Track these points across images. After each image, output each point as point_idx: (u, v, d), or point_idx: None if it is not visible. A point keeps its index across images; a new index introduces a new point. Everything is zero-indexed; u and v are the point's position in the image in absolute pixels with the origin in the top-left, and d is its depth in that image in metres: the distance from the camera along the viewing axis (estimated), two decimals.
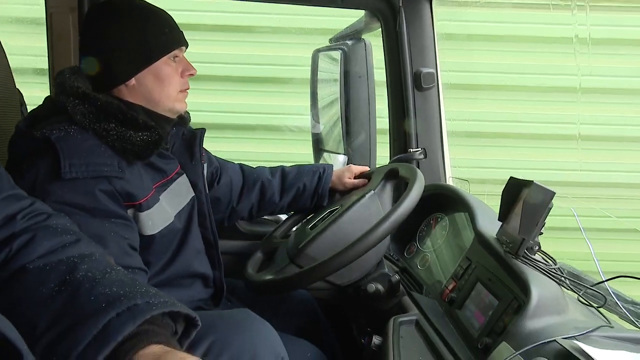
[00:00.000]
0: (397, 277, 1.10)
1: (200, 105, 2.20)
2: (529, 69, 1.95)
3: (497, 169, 1.87)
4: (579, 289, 0.97)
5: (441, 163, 1.54)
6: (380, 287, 1.09)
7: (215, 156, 1.33)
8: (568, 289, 0.90)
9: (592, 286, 0.97)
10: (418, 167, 1.52)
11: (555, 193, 0.82)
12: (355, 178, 1.35)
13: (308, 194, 1.32)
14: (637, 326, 0.89)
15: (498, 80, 1.91)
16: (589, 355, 0.63)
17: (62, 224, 0.67)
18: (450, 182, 1.54)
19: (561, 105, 1.87)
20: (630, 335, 0.77)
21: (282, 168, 1.36)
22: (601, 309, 0.93)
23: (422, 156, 1.52)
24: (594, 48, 1.94)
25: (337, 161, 1.69)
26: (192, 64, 1.08)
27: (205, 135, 1.20)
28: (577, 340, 0.70)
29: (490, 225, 1.05)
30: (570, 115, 1.83)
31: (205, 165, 1.21)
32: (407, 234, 1.37)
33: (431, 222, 1.35)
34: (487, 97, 1.93)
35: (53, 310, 0.53)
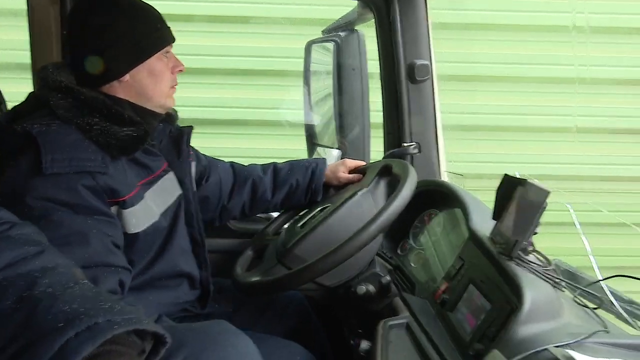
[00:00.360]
0: (388, 277, 1.07)
1: (194, 100, 2.15)
2: (527, 59, 1.89)
3: (494, 163, 1.83)
4: (574, 289, 0.94)
5: (436, 157, 1.50)
6: (371, 287, 1.06)
7: (204, 154, 1.30)
8: (563, 290, 0.88)
9: (587, 286, 0.94)
10: (412, 162, 1.49)
11: (550, 192, 0.79)
12: (350, 172, 1.32)
13: (301, 189, 1.29)
14: (633, 327, 0.86)
15: (495, 71, 1.85)
16: None
17: (27, 233, 0.64)
18: (445, 176, 1.51)
19: (559, 96, 1.82)
20: (626, 341, 0.74)
21: (274, 164, 1.33)
22: (597, 310, 0.91)
23: (416, 150, 1.49)
24: (593, 37, 1.90)
25: (331, 156, 1.66)
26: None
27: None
28: (570, 348, 0.67)
29: (484, 224, 1.01)
30: (568, 107, 1.78)
31: (193, 163, 1.19)
32: (401, 230, 1.34)
33: (425, 218, 1.32)
34: (484, 88, 1.88)
35: (10, 329, 0.50)
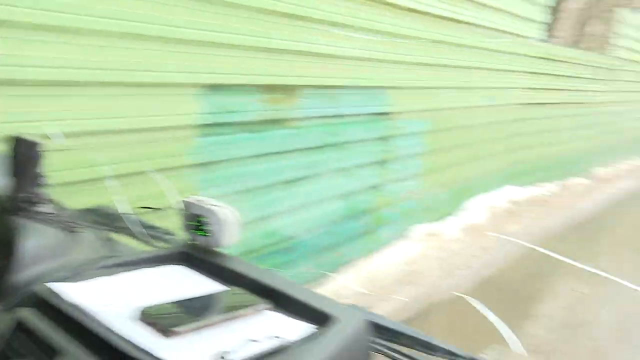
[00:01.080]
0: None
1: None
2: None
3: (35, 122, 1.71)
4: (100, 226, 1.06)
5: None
6: None
7: None
8: (80, 231, 0.96)
9: (113, 222, 1.09)
10: None
11: (39, 143, 0.84)
12: None
13: None
14: (151, 245, 1.05)
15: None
16: (56, 293, 0.70)
17: None
18: None
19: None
20: (130, 259, 0.88)
21: None
22: (125, 239, 1.06)
23: None
24: None
25: None
26: None
27: None
28: (68, 281, 0.75)
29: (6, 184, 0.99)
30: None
31: None
32: None
33: None
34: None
35: None
